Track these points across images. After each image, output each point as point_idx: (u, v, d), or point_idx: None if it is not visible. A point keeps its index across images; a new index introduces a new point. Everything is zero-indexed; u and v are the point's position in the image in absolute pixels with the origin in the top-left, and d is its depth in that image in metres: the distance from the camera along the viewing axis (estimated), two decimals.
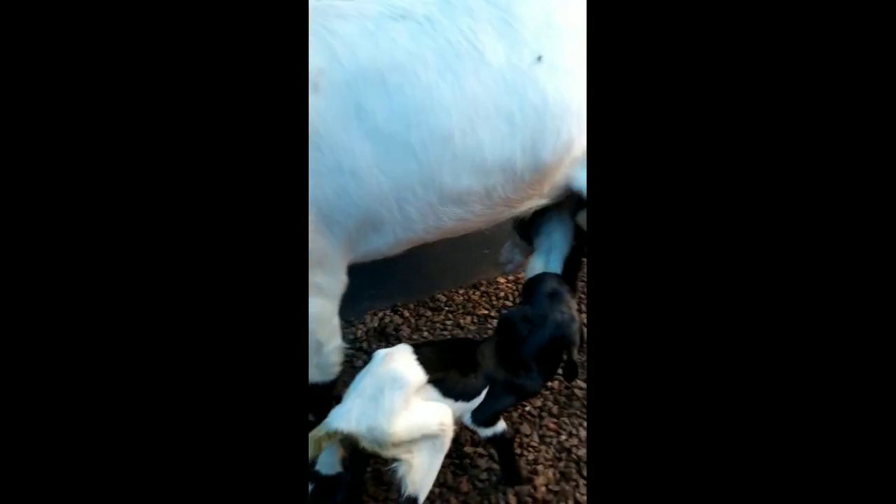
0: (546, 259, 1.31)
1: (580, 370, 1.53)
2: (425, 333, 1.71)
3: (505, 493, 1.23)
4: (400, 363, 0.98)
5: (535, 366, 1.10)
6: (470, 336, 1.70)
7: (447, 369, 1.02)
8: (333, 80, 0.86)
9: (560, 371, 1.16)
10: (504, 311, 1.60)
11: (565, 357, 1.11)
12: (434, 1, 0.94)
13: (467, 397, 1.06)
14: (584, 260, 1.71)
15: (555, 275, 1.23)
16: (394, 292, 1.81)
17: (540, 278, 1.20)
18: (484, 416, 1.09)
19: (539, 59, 0.93)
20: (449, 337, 1.69)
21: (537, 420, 1.42)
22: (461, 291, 1.87)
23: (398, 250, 1.09)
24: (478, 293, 1.88)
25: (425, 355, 1.01)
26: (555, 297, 1.14)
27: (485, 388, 1.08)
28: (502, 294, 1.90)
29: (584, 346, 1.21)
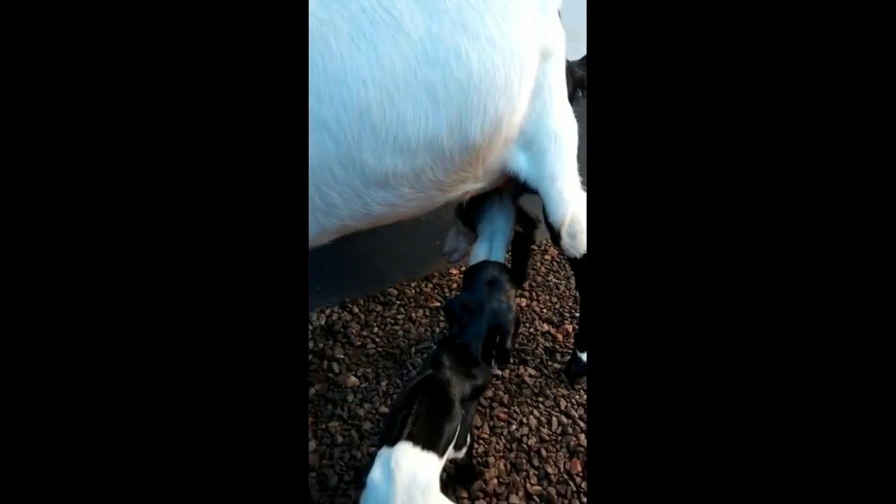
0: (489, 245, 1.27)
1: (512, 358, 1.51)
2: (375, 329, 1.65)
3: (455, 490, 1.19)
4: (412, 467, 0.84)
5: (481, 357, 1.06)
6: (422, 328, 1.65)
7: (440, 428, 0.92)
8: None
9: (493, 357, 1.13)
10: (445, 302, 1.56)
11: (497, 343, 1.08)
12: None
13: (461, 440, 1.01)
14: (532, 247, 1.70)
15: (495, 263, 1.19)
16: (342, 287, 1.74)
17: (479, 266, 1.17)
18: (464, 440, 1.04)
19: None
20: (399, 332, 1.63)
21: (487, 411, 1.39)
22: (413, 284, 1.82)
23: (326, 240, 1.03)
24: (430, 285, 1.83)
25: (420, 434, 0.88)
26: (493, 285, 1.11)
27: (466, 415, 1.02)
28: (455, 286, 1.86)
29: (518, 334, 1.18)
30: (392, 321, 1.68)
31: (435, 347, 1.18)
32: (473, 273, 1.16)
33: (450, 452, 0.96)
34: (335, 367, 1.51)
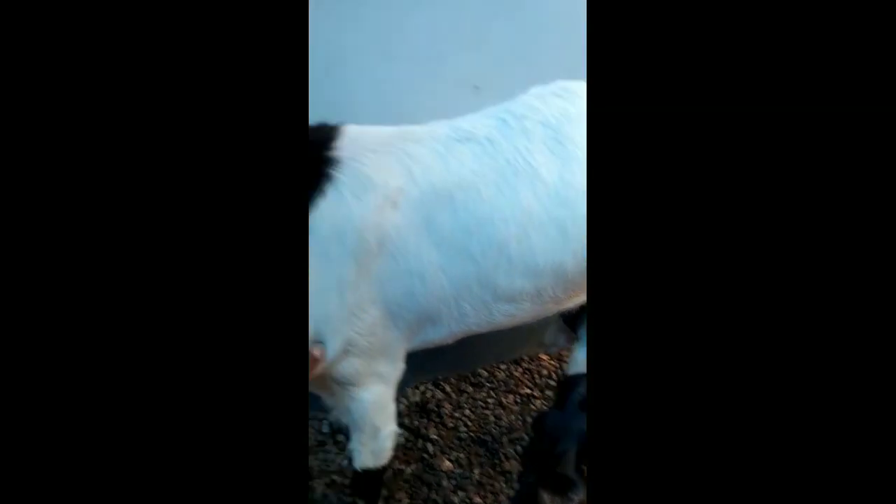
0: None
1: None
2: (467, 411, 1.70)
3: None
4: None
5: (576, 476, 1.07)
6: (513, 415, 1.68)
7: None
8: (410, 197, 0.98)
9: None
10: (536, 415, 1.55)
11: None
12: (494, 124, 1.05)
13: None
14: None
15: None
16: (435, 365, 1.83)
17: (574, 381, 1.18)
18: None
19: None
20: (490, 416, 1.68)
21: None
22: (503, 367, 1.87)
23: (449, 340, 1.14)
24: (520, 370, 1.87)
25: None
26: (585, 406, 1.10)
27: None
28: (545, 372, 1.89)
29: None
30: (483, 404, 1.73)
31: (524, 472, 1.16)
32: (567, 388, 1.17)
33: None
34: (429, 447, 1.57)
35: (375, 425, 1.10)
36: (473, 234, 0.99)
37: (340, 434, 1.55)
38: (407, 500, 1.42)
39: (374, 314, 1.00)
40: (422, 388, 1.78)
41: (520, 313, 1.10)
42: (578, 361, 1.31)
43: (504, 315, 1.09)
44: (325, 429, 1.59)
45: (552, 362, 1.92)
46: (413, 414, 1.69)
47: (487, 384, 1.81)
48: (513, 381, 1.82)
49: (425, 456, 1.55)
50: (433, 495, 1.43)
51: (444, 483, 1.47)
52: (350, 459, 1.24)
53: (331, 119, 1.04)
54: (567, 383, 1.21)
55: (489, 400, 1.75)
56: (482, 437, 1.61)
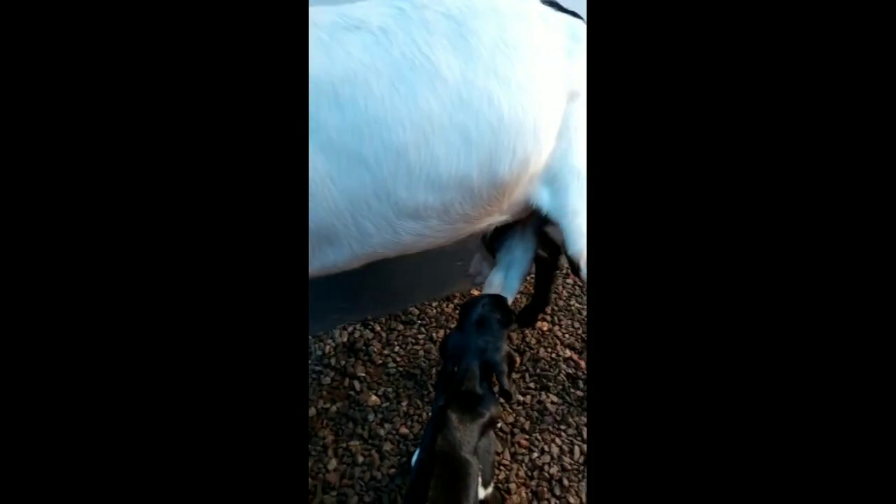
0: (505, 274, 1.29)
1: (534, 384, 1.51)
2: (397, 348, 1.67)
3: None
4: None
5: (483, 389, 1.07)
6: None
7: (460, 487, 0.92)
8: None
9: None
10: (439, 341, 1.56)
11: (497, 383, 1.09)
12: (389, 12, 0.91)
13: (487, 477, 1.02)
14: (557, 273, 1.71)
15: (489, 299, 1.20)
16: (364, 306, 1.78)
17: (471, 304, 1.18)
18: (490, 475, 1.05)
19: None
20: (420, 352, 1.66)
21: (509, 437, 1.40)
22: (434, 304, 1.84)
23: (356, 265, 1.07)
24: (451, 306, 1.85)
25: None
26: (482, 323, 1.12)
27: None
28: None
29: (513, 372, 1.17)
30: (413, 340, 1.70)
31: (434, 394, 1.16)
32: (465, 310, 1.18)
33: (480, 493, 0.97)
34: (356, 385, 1.54)
35: None
36: (365, 138, 0.87)
37: None
38: (332, 437, 1.39)
39: None
40: (350, 328, 1.73)
41: (428, 232, 1.02)
42: (494, 285, 1.29)
43: (411, 234, 1.01)
44: None
45: None
46: (340, 354, 1.64)
47: (419, 321, 1.78)
48: (444, 317, 1.80)
49: (352, 393, 1.51)
50: (359, 430, 1.41)
51: (371, 417, 1.44)
52: None
53: None
54: (466, 305, 1.20)
55: (420, 336, 1.72)
56: (411, 370, 1.59)
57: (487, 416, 1.04)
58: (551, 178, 1.06)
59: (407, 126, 0.88)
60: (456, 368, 1.08)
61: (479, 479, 0.97)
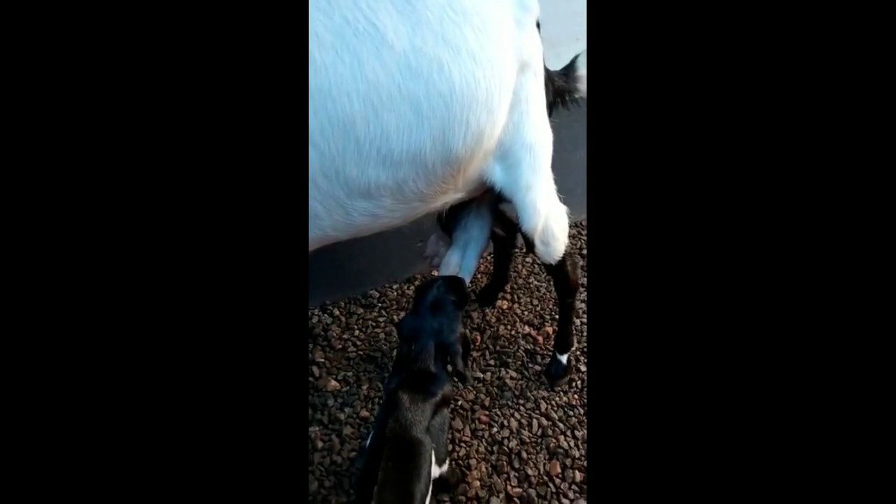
0: (462, 254, 1.29)
1: (493, 361, 1.54)
2: (357, 332, 1.65)
3: (436, 494, 1.21)
4: None
5: (437, 369, 1.08)
6: None
7: (410, 491, 0.91)
8: None
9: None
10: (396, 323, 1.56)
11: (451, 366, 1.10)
12: None
13: (441, 456, 1.03)
14: (515, 251, 1.72)
15: (444, 281, 1.19)
16: (322, 290, 1.73)
17: (426, 287, 1.18)
18: (444, 454, 1.06)
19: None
20: (381, 334, 1.64)
21: (469, 414, 1.41)
22: (395, 287, 1.82)
23: (308, 249, 1.03)
24: (412, 288, 1.84)
25: (391, 500, 0.88)
26: (436, 306, 1.12)
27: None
28: None
29: (468, 354, 1.19)
30: (373, 324, 1.68)
31: (389, 375, 1.16)
32: (420, 293, 1.17)
33: (435, 472, 0.97)
34: (315, 371, 1.51)
35: None
36: (308, 111, 0.81)
37: None
38: None
39: None
40: (308, 313, 1.69)
41: (382, 212, 0.99)
42: (451, 264, 1.28)
43: (364, 215, 0.97)
44: None
45: None
46: None
47: (379, 304, 1.75)
48: (405, 300, 1.78)
49: (311, 380, 1.48)
50: (318, 415, 1.38)
51: (330, 402, 1.42)
52: None
53: None
54: (421, 288, 1.19)
55: (380, 319, 1.70)
56: (372, 354, 1.57)
57: (440, 395, 1.04)
58: (503, 153, 1.05)
59: (353, 97, 0.83)
60: (412, 349, 1.08)
61: (433, 458, 0.98)
